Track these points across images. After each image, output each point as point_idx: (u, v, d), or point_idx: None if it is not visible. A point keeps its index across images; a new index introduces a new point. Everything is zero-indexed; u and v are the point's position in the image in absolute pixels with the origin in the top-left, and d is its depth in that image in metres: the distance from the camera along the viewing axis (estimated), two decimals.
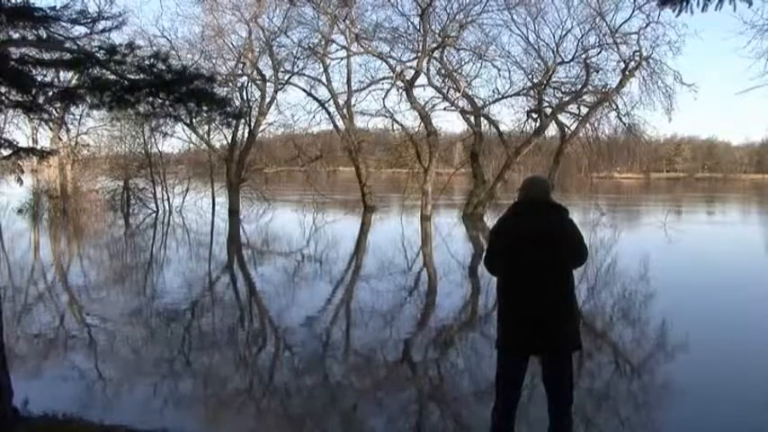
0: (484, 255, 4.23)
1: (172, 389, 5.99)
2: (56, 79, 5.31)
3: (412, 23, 24.16)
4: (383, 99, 25.39)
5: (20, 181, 21.52)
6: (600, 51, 23.65)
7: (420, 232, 21.52)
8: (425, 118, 24.01)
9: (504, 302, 3.96)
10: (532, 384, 6.13)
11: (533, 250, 3.81)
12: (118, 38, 5.16)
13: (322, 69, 25.93)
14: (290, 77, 26.12)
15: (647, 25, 22.58)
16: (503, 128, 25.46)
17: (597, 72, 23.95)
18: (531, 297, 3.80)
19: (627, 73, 23.46)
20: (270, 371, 6.81)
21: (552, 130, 25.70)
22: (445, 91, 24.97)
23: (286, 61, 25.62)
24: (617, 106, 24.39)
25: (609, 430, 5.32)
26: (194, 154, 30.23)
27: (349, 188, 32.21)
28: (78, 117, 18.73)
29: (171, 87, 4.78)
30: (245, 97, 25.64)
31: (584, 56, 23.61)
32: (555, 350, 3.90)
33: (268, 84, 25.72)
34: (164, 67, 4.81)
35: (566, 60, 24.02)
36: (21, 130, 23.83)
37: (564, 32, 23.79)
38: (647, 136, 26.64)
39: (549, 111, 24.57)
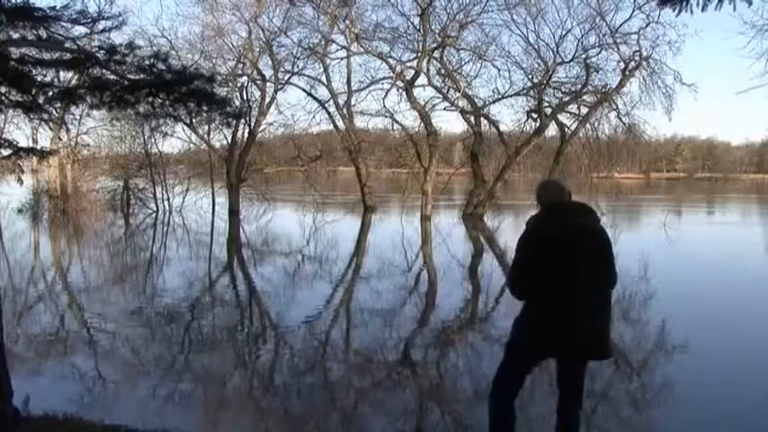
0: (512, 273, 3.89)
1: (172, 389, 5.99)
2: (56, 79, 5.29)
3: (412, 23, 24.20)
4: (383, 99, 25.44)
5: (20, 181, 21.55)
6: (600, 51, 23.68)
7: (420, 232, 21.52)
8: (425, 118, 24.02)
9: (540, 304, 3.73)
10: (530, 384, 6.13)
11: (575, 250, 3.67)
12: (118, 38, 5.15)
13: (322, 69, 25.96)
14: (290, 77, 26.14)
15: (647, 25, 22.61)
16: (503, 128, 25.50)
17: (597, 72, 23.97)
18: (574, 299, 3.64)
19: (627, 73, 23.46)
20: (270, 371, 6.81)
21: (552, 130, 25.74)
22: (445, 91, 25.00)
23: (286, 61, 25.65)
24: (617, 106, 24.42)
25: (610, 429, 5.33)
26: (194, 154, 30.23)
27: (349, 188, 32.23)
28: (78, 117, 18.70)
29: (171, 87, 4.78)
30: (245, 97, 25.65)
31: (584, 56, 23.63)
32: (599, 355, 3.82)
33: (268, 84, 25.75)
34: (164, 67, 4.80)
35: (566, 60, 24.04)
36: (21, 130, 23.88)
37: (564, 32, 23.82)
38: (647, 136, 26.69)
39: (549, 111, 24.57)
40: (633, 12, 22.55)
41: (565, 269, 3.66)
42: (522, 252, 3.83)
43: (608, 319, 3.80)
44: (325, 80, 26.03)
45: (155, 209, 26.94)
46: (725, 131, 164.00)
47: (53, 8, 4.71)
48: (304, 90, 26.50)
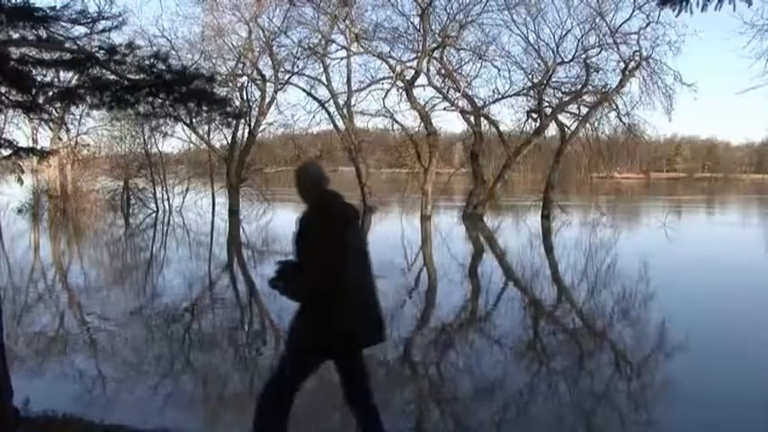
0: (321, 271, 3.55)
1: (172, 388, 5.99)
2: (56, 79, 5.30)
3: (412, 23, 24.19)
4: (383, 99, 25.40)
5: (20, 181, 21.54)
6: (600, 51, 23.65)
7: (420, 232, 21.52)
8: (425, 118, 24.01)
9: (337, 295, 3.57)
10: (532, 384, 6.15)
11: (355, 236, 3.69)
12: (118, 38, 5.17)
13: (322, 69, 25.92)
14: (290, 77, 26.13)
15: (647, 25, 22.58)
16: (503, 128, 25.45)
17: (597, 72, 23.94)
18: (365, 286, 3.68)
19: (627, 73, 23.44)
20: (270, 370, 6.80)
21: (552, 130, 25.70)
22: (445, 91, 24.96)
23: (286, 61, 25.64)
24: (617, 106, 24.38)
25: (611, 429, 5.34)
26: (194, 154, 30.25)
27: (349, 188, 32.22)
28: (78, 117, 18.75)
29: (171, 87, 4.78)
30: (245, 97, 25.67)
31: (584, 56, 23.60)
32: (381, 340, 3.82)
33: (268, 84, 25.75)
34: (164, 67, 4.81)
35: (566, 60, 24.01)
36: (21, 130, 23.84)
37: (564, 32, 23.80)
38: (647, 136, 26.62)
39: (549, 111, 24.56)
40: (633, 12, 22.56)
41: (351, 257, 3.62)
42: (324, 246, 3.60)
43: (377, 298, 3.83)
44: (325, 80, 26.04)
45: (155, 209, 26.95)
46: (725, 131, 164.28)
47: (53, 8, 4.72)
48: (304, 90, 26.53)
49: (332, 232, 3.60)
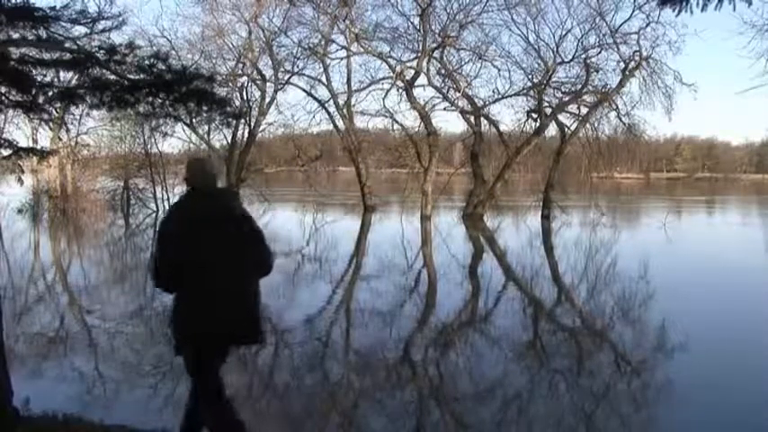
0: (155, 264, 3.66)
1: (172, 389, 5.99)
2: (56, 79, 5.31)
3: (412, 23, 24.20)
4: (383, 99, 25.43)
5: (20, 181, 21.50)
6: (600, 51, 23.65)
7: (420, 232, 21.52)
8: (425, 118, 24.01)
9: (185, 292, 3.67)
10: (533, 384, 6.15)
11: (213, 234, 3.61)
12: (118, 38, 5.18)
13: (322, 69, 25.96)
14: (290, 77, 26.16)
15: (647, 25, 22.58)
16: (503, 128, 25.47)
17: (597, 72, 23.94)
18: (217, 284, 3.62)
19: (627, 73, 23.45)
20: (270, 370, 6.80)
21: (552, 130, 25.70)
22: (445, 91, 24.98)
23: (286, 61, 25.67)
24: (617, 106, 24.39)
25: (610, 429, 5.34)
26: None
27: (349, 188, 32.23)
28: (78, 117, 18.70)
29: (171, 87, 4.78)
30: (245, 97, 25.72)
31: (584, 56, 23.61)
32: (245, 340, 3.83)
33: (268, 84, 25.79)
34: (164, 67, 4.81)
35: (566, 60, 24.02)
36: (21, 130, 23.83)
37: (564, 32, 23.81)
38: (647, 136, 26.65)
39: (549, 111, 24.56)
40: (633, 12, 22.56)
41: (203, 254, 3.59)
42: (164, 241, 3.66)
43: (252, 303, 3.76)
44: (325, 80, 26.07)
45: (155, 209, 26.94)
46: (725, 131, 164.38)
47: (53, 8, 4.72)
48: (304, 90, 26.55)
49: (176, 231, 3.63)
